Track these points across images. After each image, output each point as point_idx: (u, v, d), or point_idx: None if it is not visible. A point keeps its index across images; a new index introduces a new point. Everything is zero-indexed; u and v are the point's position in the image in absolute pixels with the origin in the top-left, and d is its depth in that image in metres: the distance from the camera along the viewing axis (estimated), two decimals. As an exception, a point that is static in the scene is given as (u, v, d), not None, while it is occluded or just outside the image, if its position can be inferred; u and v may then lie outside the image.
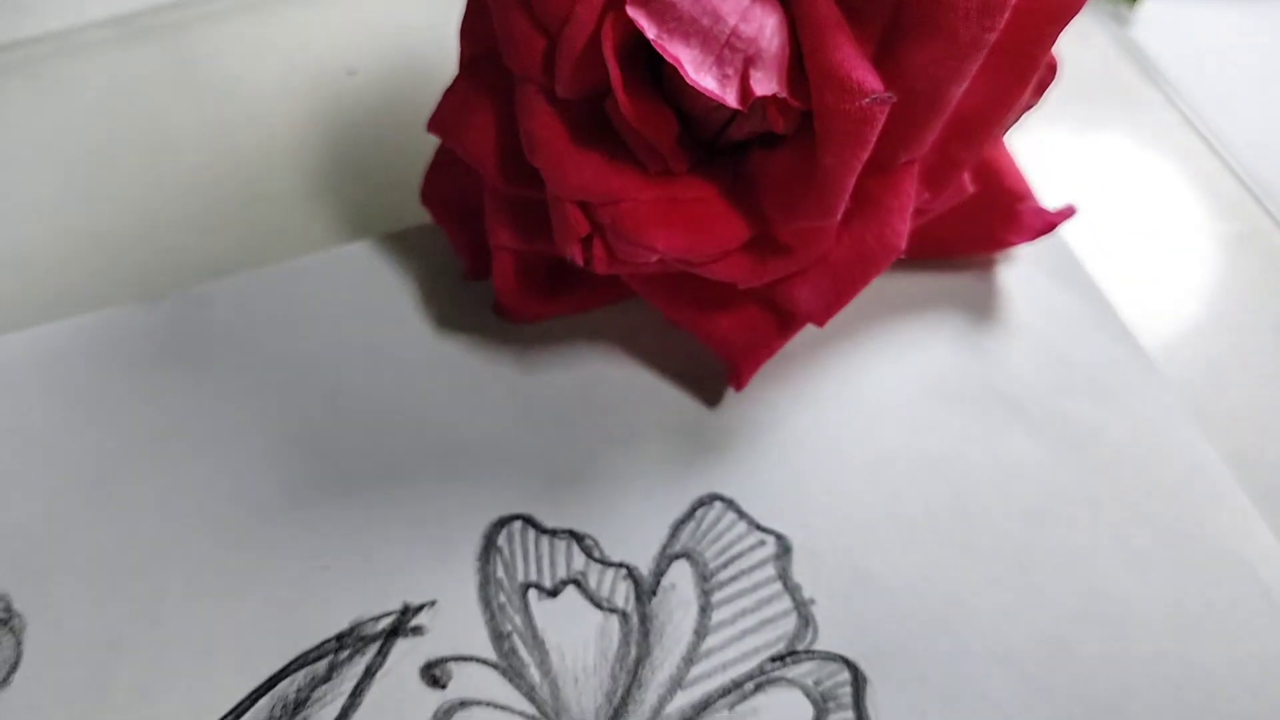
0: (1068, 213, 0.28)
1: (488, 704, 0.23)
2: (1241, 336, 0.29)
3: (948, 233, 0.28)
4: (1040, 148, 0.31)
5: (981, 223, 0.28)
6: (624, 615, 0.24)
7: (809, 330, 0.27)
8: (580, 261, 0.24)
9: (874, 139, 0.21)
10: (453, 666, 0.23)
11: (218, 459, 0.26)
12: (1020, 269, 0.30)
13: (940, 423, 0.27)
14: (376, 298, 0.29)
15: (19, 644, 0.24)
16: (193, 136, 0.33)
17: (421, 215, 0.29)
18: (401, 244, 0.30)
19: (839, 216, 0.23)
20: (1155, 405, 0.27)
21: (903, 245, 0.24)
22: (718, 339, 0.26)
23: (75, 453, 0.26)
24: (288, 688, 0.23)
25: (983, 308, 0.29)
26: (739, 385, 0.26)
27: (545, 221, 0.25)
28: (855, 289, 0.25)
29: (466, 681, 0.23)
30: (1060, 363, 0.28)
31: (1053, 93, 0.24)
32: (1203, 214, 0.32)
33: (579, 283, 0.28)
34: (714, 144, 0.24)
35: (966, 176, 0.25)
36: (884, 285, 0.29)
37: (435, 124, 0.26)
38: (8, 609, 0.24)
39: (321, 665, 0.23)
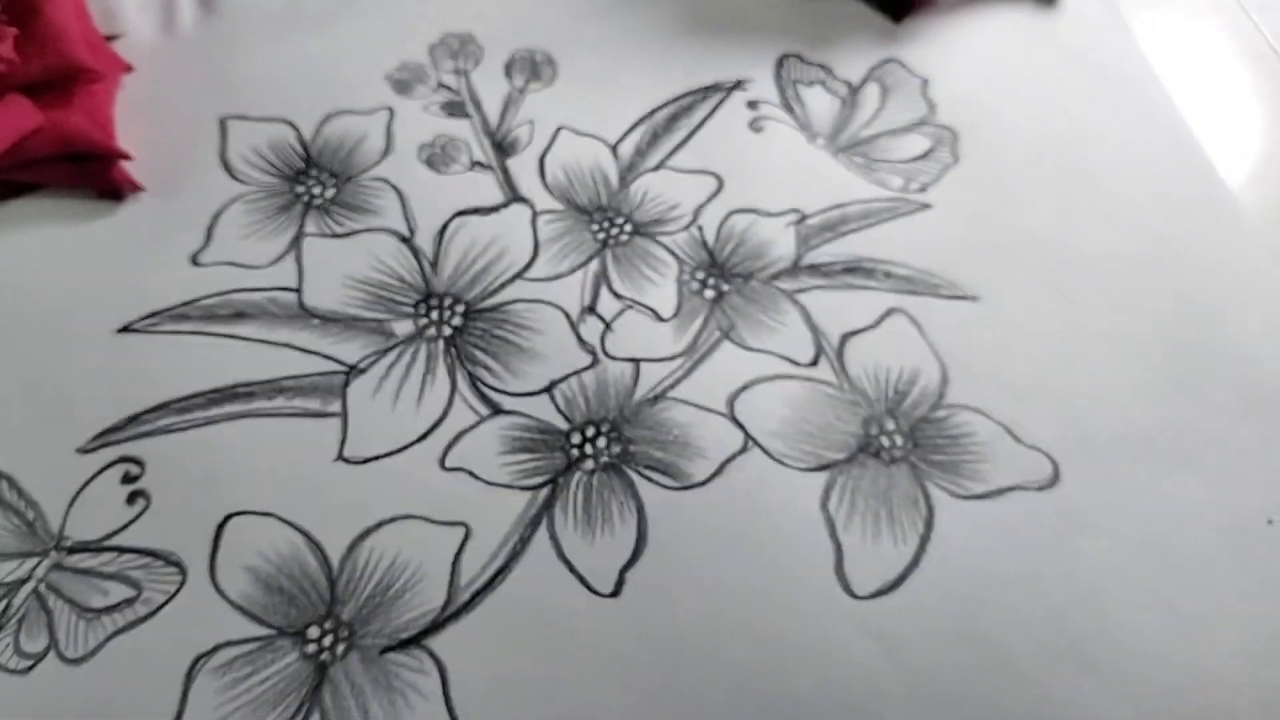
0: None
1: (780, 121, 0.48)
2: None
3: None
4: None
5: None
6: (843, 99, 0.49)
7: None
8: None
9: None
10: (762, 106, 0.49)
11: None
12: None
13: (1024, 46, 0.51)
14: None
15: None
16: None
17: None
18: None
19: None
20: (1123, 53, 0.51)
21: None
22: (907, -20, 0.51)
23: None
24: (677, 105, 0.49)
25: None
26: (913, 10, 0.51)
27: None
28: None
29: (765, 109, 0.48)
30: (1089, 33, 0.52)
31: None
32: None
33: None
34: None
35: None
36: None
37: None
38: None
39: (697, 98, 0.49)
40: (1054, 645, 0.36)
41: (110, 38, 0.48)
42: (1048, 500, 0.39)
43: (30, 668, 0.35)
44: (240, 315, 0.41)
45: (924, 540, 0.38)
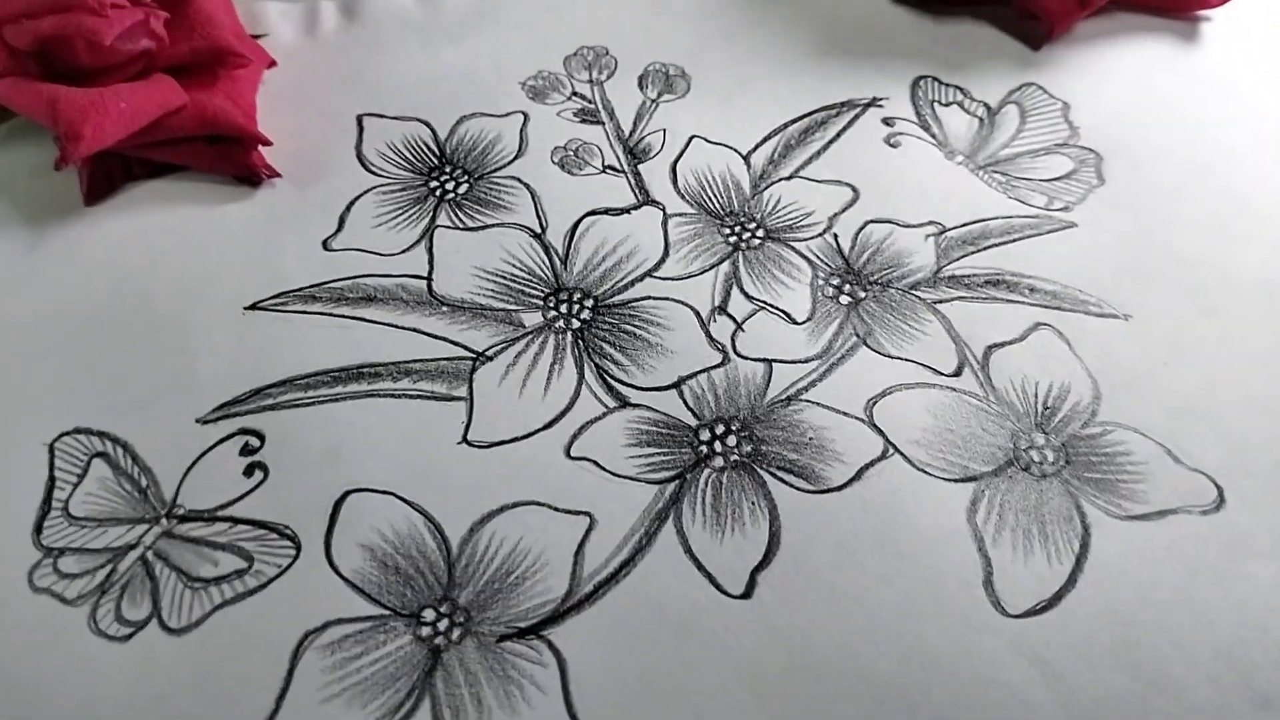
0: (1251, -16, 0.51)
1: (917, 138, 0.47)
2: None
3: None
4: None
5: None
6: (981, 119, 0.48)
7: (1094, 26, 0.51)
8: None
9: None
10: (898, 123, 0.48)
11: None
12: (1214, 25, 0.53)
13: (1166, 75, 0.50)
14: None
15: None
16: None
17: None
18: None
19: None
20: (1270, 87, 0.50)
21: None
22: (1043, 7, 0.50)
23: None
24: (811, 119, 0.48)
25: (1189, 35, 0.52)
26: (1051, 38, 0.50)
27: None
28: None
29: (901, 126, 0.48)
30: (1233, 68, 0.51)
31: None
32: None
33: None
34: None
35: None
36: (1134, 19, 0.52)
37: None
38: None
39: (831, 113, 0.48)
40: (1225, 677, 0.33)
41: (255, 37, 0.49)
42: (1213, 525, 0.36)
43: (130, 635, 0.34)
44: (369, 299, 0.41)
45: (1080, 559, 0.35)
